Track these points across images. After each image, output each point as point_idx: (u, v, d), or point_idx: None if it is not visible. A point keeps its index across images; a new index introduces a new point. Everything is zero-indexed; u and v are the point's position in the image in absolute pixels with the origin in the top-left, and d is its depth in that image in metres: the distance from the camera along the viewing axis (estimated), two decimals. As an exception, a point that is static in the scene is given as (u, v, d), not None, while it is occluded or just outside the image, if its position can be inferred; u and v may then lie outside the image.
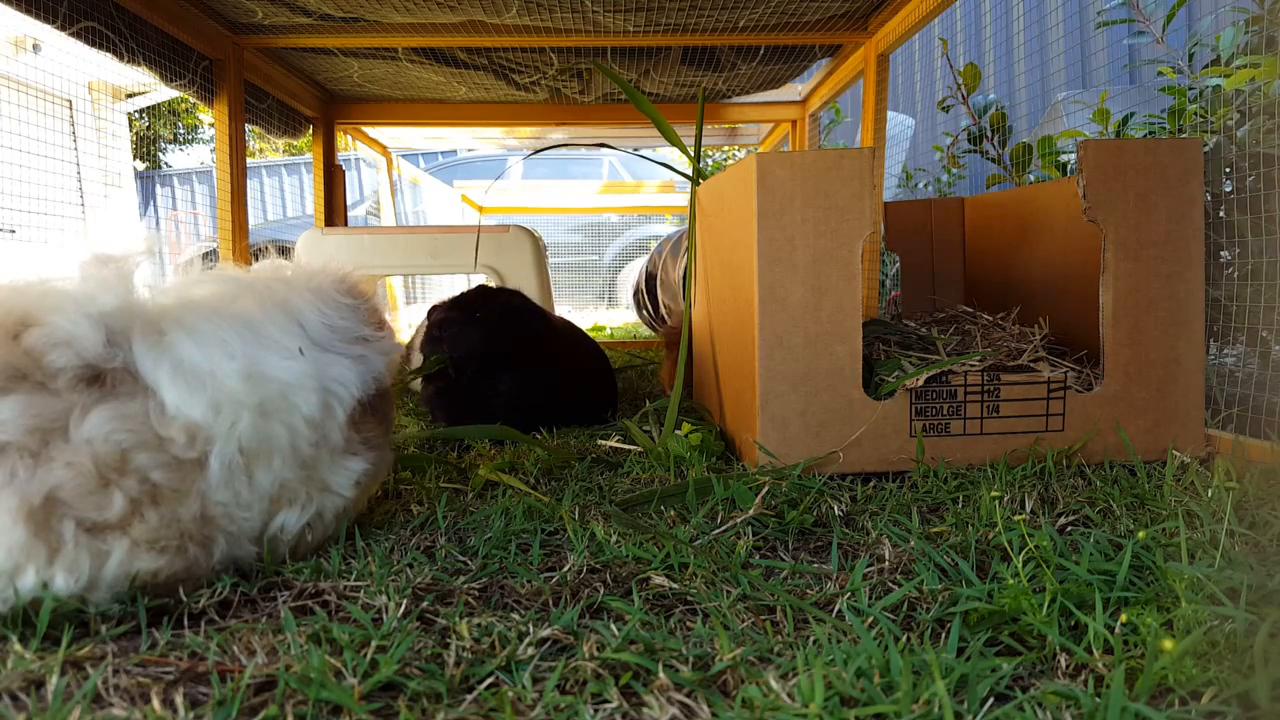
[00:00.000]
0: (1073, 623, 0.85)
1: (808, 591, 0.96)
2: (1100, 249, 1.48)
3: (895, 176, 5.07)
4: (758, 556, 1.09)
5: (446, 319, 1.85)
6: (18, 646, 0.81)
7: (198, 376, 0.93)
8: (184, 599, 0.93)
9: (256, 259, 1.27)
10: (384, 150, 4.19)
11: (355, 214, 7.81)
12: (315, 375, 1.03)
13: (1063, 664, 0.78)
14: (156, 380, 0.91)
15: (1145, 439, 1.49)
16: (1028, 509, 1.23)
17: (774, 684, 0.72)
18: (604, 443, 1.71)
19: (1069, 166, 2.51)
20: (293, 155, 11.86)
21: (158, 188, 11.60)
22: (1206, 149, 1.89)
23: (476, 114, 3.39)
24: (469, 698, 0.73)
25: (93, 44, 1.97)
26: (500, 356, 1.85)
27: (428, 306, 1.98)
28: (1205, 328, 1.53)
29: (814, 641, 0.82)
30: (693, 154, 1.88)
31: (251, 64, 2.61)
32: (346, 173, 3.44)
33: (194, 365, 0.93)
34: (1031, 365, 1.52)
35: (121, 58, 2.05)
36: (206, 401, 0.92)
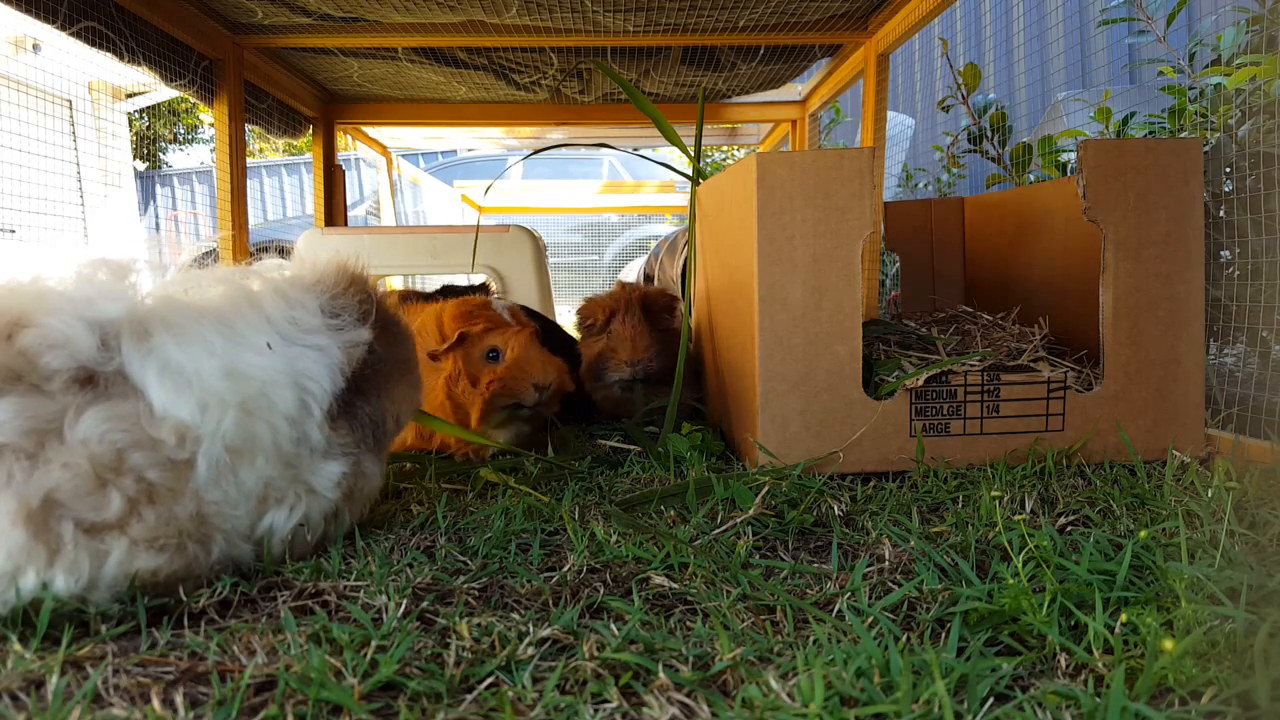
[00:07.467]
0: (1073, 623, 0.85)
1: (808, 591, 0.96)
2: (1100, 249, 1.48)
3: (895, 176, 5.07)
4: (758, 556, 1.09)
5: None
6: (18, 646, 0.81)
7: (184, 377, 0.93)
8: (184, 599, 0.93)
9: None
10: (384, 150, 4.19)
11: (355, 214, 7.80)
12: (288, 370, 1.02)
13: (1063, 664, 0.78)
14: (144, 381, 0.91)
15: (1145, 439, 1.49)
16: (1028, 509, 1.23)
17: (774, 684, 0.72)
18: (604, 443, 1.71)
19: (1069, 166, 2.50)
20: (293, 155, 11.84)
21: (158, 188, 11.59)
22: (1207, 148, 1.89)
23: (476, 114, 3.39)
24: (469, 698, 0.73)
25: (93, 44, 1.97)
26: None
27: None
28: (1205, 328, 1.53)
29: (814, 641, 0.82)
30: (693, 154, 1.88)
31: (251, 64, 2.61)
32: (346, 173, 3.44)
33: (179, 366, 0.93)
34: (1031, 365, 1.52)
35: (121, 58, 2.05)
36: (194, 401, 0.92)
